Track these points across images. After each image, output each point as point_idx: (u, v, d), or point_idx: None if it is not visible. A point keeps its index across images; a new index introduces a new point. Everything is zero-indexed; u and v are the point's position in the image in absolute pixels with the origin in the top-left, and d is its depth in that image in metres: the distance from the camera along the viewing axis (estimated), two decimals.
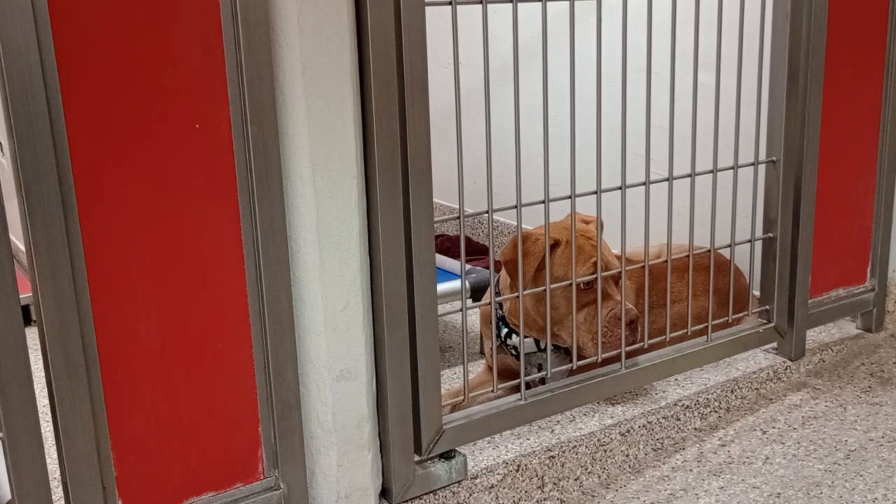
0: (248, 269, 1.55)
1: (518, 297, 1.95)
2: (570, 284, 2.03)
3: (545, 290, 1.99)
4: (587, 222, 2.19)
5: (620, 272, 2.11)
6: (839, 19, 2.33)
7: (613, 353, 2.08)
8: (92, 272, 1.40)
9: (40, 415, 1.39)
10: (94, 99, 1.35)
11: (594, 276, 2.05)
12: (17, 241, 1.64)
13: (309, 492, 1.71)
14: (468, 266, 2.93)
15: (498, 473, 1.93)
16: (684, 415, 2.25)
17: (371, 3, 1.54)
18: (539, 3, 1.81)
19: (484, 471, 1.93)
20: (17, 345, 1.33)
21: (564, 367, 2.09)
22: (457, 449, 1.89)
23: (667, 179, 2.10)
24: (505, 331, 2.27)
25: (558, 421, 2.14)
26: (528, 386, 1.98)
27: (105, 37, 1.34)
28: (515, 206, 1.87)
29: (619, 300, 2.09)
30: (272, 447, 1.64)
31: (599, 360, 2.08)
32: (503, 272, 2.25)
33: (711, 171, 2.18)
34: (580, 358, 2.09)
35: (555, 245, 2.10)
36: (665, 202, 2.13)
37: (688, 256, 2.23)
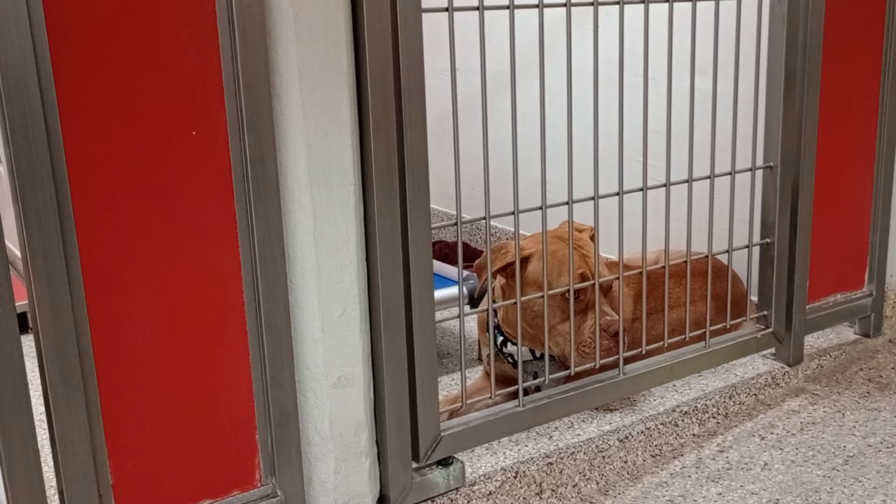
0: (245, 275, 1.54)
1: (508, 305, 1.95)
2: (559, 294, 2.03)
3: (532, 300, 1.99)
4: (580, 230, 2.19)
5: (607, 280, 2.11)
6: (835, 25, 2.34)
7: (591, 364, 2.08)
8: (88, 279, 1.39)
9: (36, 423, 1.39)
10: (91, 106, 1.35)
11: (580, 284, 2.05)
12: (14, 248, 1.64)
13: (306, 499, 1.70)
14: (466, 272, 2.93)
15: (496, 480, 1.93)
16: (682, 421, 2.24)
17: (368, 10, 1.54)
18: (536, 10, 1.82)
19: (482, 478, 1.92)
20: (12, 352, 1.33)
21: (560, 374, 2.08)
22: (455, 456, 1.88)
23: (664, 185, 2.10)
24: (500, 339, 2.26)
25: (556, 427, 2.14)
26: (525, 392, 1.98)
27: (101, 44, 1.34)
28: (513, 213, 1.87)
29: (606, 311, 2.09)
30: (269, 454, 1.64)
31: (598, 366, 2.07)
32: (499, 279, 2.24)
33: (709, 177, 2.18)
34: (564, 367, 2.09)
35: (530, 257, 2.10)
36: (663, 208, 2.13)
37: (686, 262, 2.23)
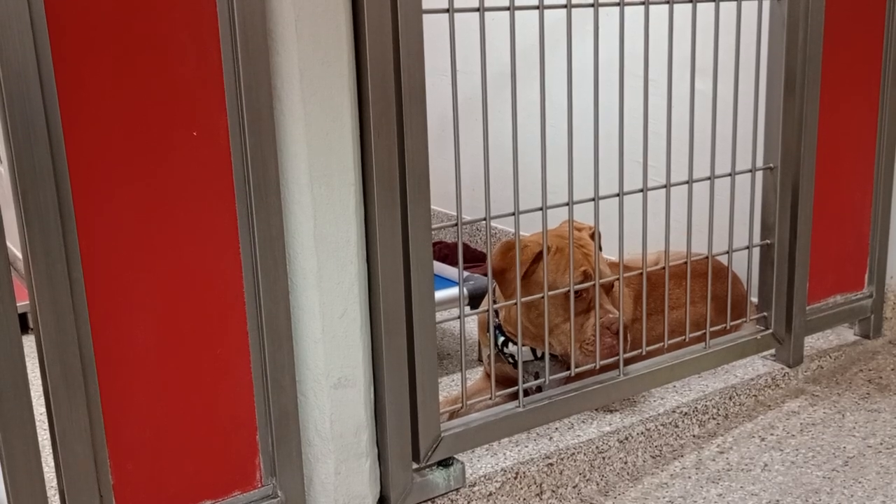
0: (246, 276, 1.54)
1: (512, 305, 1.95)
2: (561, 292, 2.04)
3: (535, 298, 1.99)
4: (579, 229, 2.19)
5: (609, 281, 2.11)
6: (835, 26, 2.34)
7: (606, 361, 2.08)
8: (89, 280, 1.39)
9: (37, 423, 1.39)
10: (92, 106, 1.35)
11: (582, 285, 2.05)
12: (15, 248, 1.64)
13: (307, 500, 1.70)
14: (466, 273, 2.93)
15: (496, 481, 1.93)
16: (682, 422, 2.24)
17: (369, 11, 1.55)
18: (536, 11, 1.82)
19: (482, 478, 1.92)
20: (13, 353, 1.33)
21: (561, 374, 2.08)
22: (455, 456, 1.88)
23: (664, 186, 2.11)
24: (501, 339, 2.26)
25: (556, 428, 2.14)
26: (526, 393, 1.98)
27: (102, 43, 1.34)
28: (513, 213, 1.87)
29: (609, 309, 2.09)
30: (270, 455, 1.64)
31: (598, 367, 2.07)
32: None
33: (709, 178, 2.18)
34: (566, 366, 2.09)
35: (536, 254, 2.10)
36: (663, 209, 2.13)
37: (686, 263, 2.23)
